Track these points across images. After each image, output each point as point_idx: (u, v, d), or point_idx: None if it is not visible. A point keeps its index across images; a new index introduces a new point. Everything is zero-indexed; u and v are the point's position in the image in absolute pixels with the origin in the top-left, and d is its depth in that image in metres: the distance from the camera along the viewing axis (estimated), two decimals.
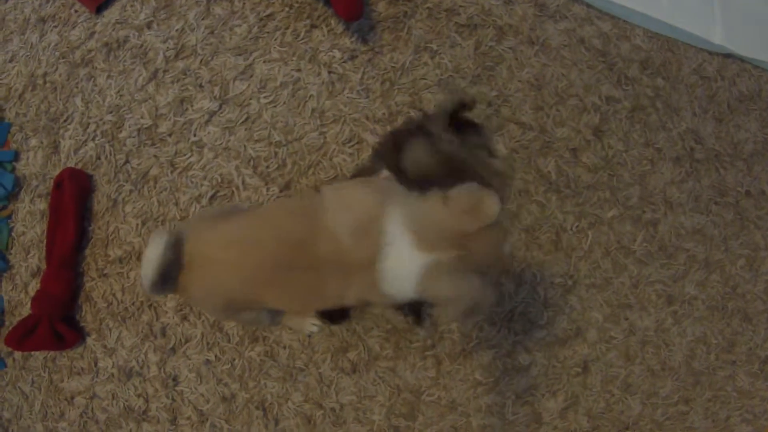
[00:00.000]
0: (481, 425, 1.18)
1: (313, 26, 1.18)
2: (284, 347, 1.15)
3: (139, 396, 1.14)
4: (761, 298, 1.31)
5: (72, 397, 1.15)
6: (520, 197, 1.20)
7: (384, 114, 1.17)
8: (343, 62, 1.17)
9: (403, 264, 0.72)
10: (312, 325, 1.08)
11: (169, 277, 0.78)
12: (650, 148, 1.25)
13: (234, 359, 1.15)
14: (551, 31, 1.24)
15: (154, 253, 0.76)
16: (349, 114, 1.16)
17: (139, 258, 1.15)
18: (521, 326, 1.20)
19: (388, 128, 1.17)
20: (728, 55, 1.32)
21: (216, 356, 1.15)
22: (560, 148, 1.21)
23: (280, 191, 1.15)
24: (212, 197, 1.15)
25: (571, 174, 1.22)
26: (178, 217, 1.15)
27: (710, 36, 1.27)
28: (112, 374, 1.15)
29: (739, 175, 1.30)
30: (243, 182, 1.15)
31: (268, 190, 1.15)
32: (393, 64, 1.18)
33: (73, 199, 1.13)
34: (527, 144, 1.20)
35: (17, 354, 1.14)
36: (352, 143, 1.16)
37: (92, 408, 1.15)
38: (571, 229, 1.22)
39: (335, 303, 0.80)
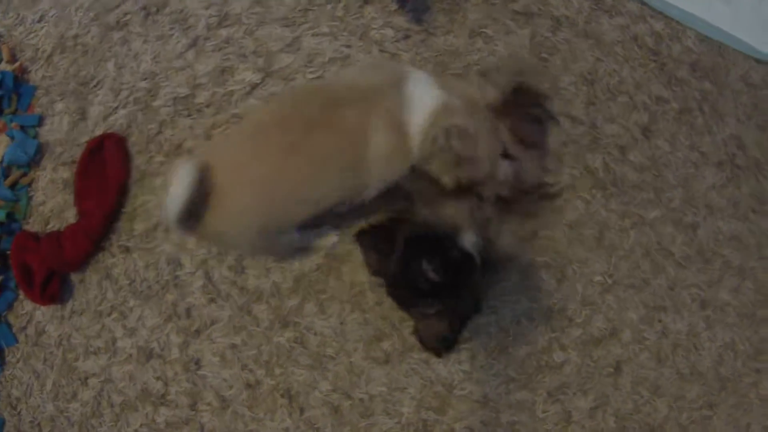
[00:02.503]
0: (510, 422, 1.00)
1: (366, 2, 0.98)
2: (315, 334, 0.96)
3: (158, 379, 0.94)
4: None
5: (86, 378, 0.95)
6: (566, 192, 1.01)
7: None
8: (396, 41, 0.97)
9: (424, 88, 0.68)
10: (334, 235, 0.92)
11: (195, 211, 0.64)
12: (695, 151, 1.07)
13: (261, 344, 0.95)
14: (606, 26, 1.04)
15: (180, 186, 0.62)
16: None
17: (166, 231, 0.94)
18: (558, 323, 1.02)
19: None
20: None
21: (243, 341, 0.95)
22: (609, 144, 1.03)
23: None
24: None
25: (618, 172, 1.03)
26: None
27: (761, 45, 1.08)
28: (131, 355, 0.95)
29: None
30: None
31: None
32: (447, 47, 0.98)
33: (117, 167, 0.91)
34: (577, 138, 1.01)
35: (30, 329, 0.93)
36: None
37: (107, 390, 0.94)
38: (615, 227, 1.03)
39: (359, 152, 0.67)
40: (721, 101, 1.10)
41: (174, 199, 0.63)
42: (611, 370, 1.04)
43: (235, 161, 0.68)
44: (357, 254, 0.94)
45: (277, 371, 0.96)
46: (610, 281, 1.04)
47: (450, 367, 0.99)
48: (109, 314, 0.96)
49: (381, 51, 0.97)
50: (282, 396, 0.97)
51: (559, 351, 1.02)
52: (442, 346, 0.83)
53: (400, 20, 0.97)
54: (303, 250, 0.93)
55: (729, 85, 1.10)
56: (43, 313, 0.97)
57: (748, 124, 1.11)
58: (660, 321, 1.07)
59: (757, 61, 1.12)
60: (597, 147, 1.02)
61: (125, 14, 0.97)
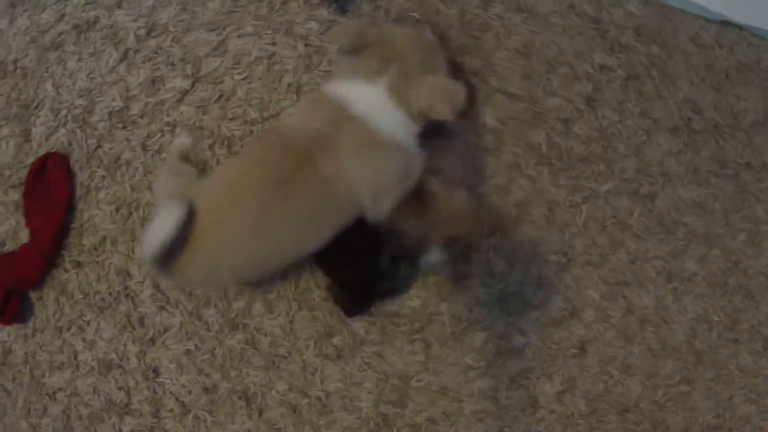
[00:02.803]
0: (474, 411, 0.96)
1: None
2: (265, 334, 0.94)
3: (120, 389, 0.94)
4: (764, 274, 1.07)
5: (54, 393, 0.95)
6: (510, 171, 0.97)
7: None
8: (320, 34, 0.94)
9: (370, 99, 0.67)
10: None
11: (175, 252, 0.61)
12: (646, 118, 1.01)
13: (214, 348, 0.94)
14: None
15: (165, 224, 0.60)
16: None
17: (113, 244, 0.94)
18: (514, 307, 0.98)
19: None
20: (726, 23, 1.07)
21: (196, 346, 0.94)
22: (551, 119, 0.98)
23: None
24: None
25: (563, 146, 0.99)
26: (152, 202, 0.93)
27: (708, 3, 1.02)
28: (92, 367, 0.95)
29: (739, 146, 1.06)
30: (218, 162, 0.94)
31: None
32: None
33: (61, 185, 0.92)
34: (516, 115, 0.97)
35: None
36: None
37: (74, 403, 0.94)
38: (565, 203, 0.99)
39: (339, 198, 0.67)
40: (671, 65, 1.04)
41: (155, 236, 0.60)
42: (575, 351, 1.00)
43: (212, 211, 0.65)
44: None
45: (233, 374, 0.95)
46: (565, 260, 0.99)
47: (405, 359, 0.96)
48: (69, 329, 0.96)
49: (306, 45, 0.94)
50: (239, 398, 0.95)
51: (518, 335, 0.98)
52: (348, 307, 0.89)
53: (324, 13, 0.95)
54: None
55: (678, 47, 1.04)
56: (8, 333, 0.97)
57: (703, 86, 1.05)
58: (624, 297, 1.02)
59: (707, 20, 1.06)
60: (539, 122, 0.98)
61: (59, 34, 0.98)
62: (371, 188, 0.69)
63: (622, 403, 1.03)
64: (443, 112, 0.67)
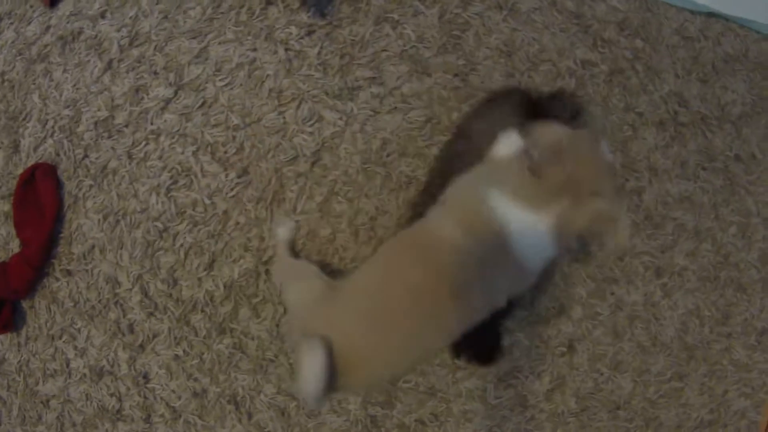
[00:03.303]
0: (463, 411, 0.96)
1: (269, 3, 0.96)
2: (252, 338, 0.95)
3: (112, 395, 0.95)
4: (755, 267, 1.05)
5: (48, 400, 0.96)
6: None
7: (343, 90, 0.94)
8: (300, 38, 0.95)
9: (531, 232, 0.61)
10: None
11: (330, 386, 0.60)
12: (631, 112, 1.01)
13: (203, 353, 0.94)
14: None
15: (313, 370, 0.58)
16: (308, 91, 0.94)
17: (101, 252, 0.95)
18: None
19: (350, 105, 0.94)
20: (711, 15, 1.06)
21: (184, 351, 0.95)
22: None
23: (239, 177, 0.94)
24: (170, 186, 0.94)
25: None
26: (139, 210, 0.94)
27: None
28: (84, 374, 0.96)
29: (727, 138, 1.05)
30: (201, 169, 0.94)
31: (227, 176, 0.94)
32: (352, 38, 0.95)
33: (50, 195, 0.93)
34: None
35: None
36: (311, 122, 0.94)
37: (68, 410, 0.96)
38: None
39: (484, 308, 0.65)
40: (655, 58, 1.03)
41: (309, 385, 0.59)
42: (564, 349, 0.99)
43: (354, 335, 0.62)
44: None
45: (221, 378, 0.96)
46: None
47: None
48: (60, 337, 0.98)
49: (287, 50, 0.95)
50: (228, 402, 0.96)
51: (505, 334, 0.98)
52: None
53: (303, 17, 0.95)
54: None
55: (663, 40, 1.04)
56: (1, 342, 0.99)
57: (689, 79, 1.04)
58: (612, 294, 1.01)
59: (692, 12, 1.05)
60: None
61: (45, 46, 0.99)
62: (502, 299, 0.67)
63: (613, 401, 1.03)
64: (606, 242, 0.63)
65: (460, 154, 0.82)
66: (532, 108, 0.81)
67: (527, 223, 0.61)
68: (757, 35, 1.07)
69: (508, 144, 0.67)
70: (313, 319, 0.64)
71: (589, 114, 0.96)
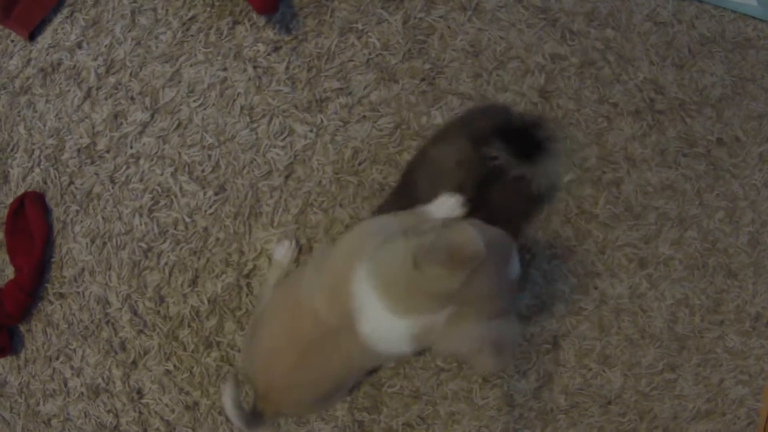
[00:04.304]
0: (449, 412, 0.98)
1: (236, 22, 0.99)
2: (239, 350, 0.97)
3: (109, 412, 1.00)
4: (745, 251, 1.04)
5: (49, 419, 1.01)
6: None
7: (312, 102, 0.97)
8: (268, 55, 0.97)
9: (385, 329, 0.57)
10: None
11: (253, 413, 0.76)
12: (605, 104, 1.01)
13: (192, 367, 0.98)
14: None
15: (228, 403, 0.74)
16: (278, 106, 0.97)
17: (91, 274, 1.00)
18: None
19: (319, 116, 0.97)
20: None
21: (175, 366, 0.98)
22: None
23: (216, 194, 0.97)
24: (152, 207, 0.98)
25: None
26: (123, 231, 0.98)
27: None
28: (82, 393, 1.00)
29: (708, 122, 1.04)
30: (180, 189, 0.98)
31: (205, 194, 0.97)
32: (318, 50, 0.97)
33: (39, 222, 0.98)
34: None
35: None
36: (283, 136, 0.97)
37: (68, 428, 1.01)
38: None
39: (358, 372, 0.73)
40: (627, 47, 1.03)
41: (230, 414, 0.73)
42: (549, 346, 1.00)
43: (262, 367, 0.76)
44: (265, 268, 0.96)
45: (212, 390, 0.99)
46: (528, 255, 0.99)
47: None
48: (57, 358, 1.02)
49: (255, 67, 0.98)
50: (220, 414, 0.99)
51: None
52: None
53: (270, 33, 0.98)
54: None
55: (634, 27, 1.03)
56: (2, 365, 1.04)
57: (664, 65, 1.04)
58: (596, 288, 1.01)
59: None
60: None
61: (27, 78, 1.04)
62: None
63: (604, 395, 1.03)
64: (480, 367, 0.59)
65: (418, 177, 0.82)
66: (484, 138, 0.75)
67: (380, 320, 0.56)
68: (734, 14, 1.06)
69: (443, 206, 0.65)
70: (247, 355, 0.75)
71: (561, 141, 0.95)
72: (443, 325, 0.54)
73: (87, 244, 1.01)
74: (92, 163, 1.01)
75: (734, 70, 1.06)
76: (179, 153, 0.99)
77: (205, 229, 0.98)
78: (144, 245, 0.99)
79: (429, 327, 0.55)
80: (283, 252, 0.94)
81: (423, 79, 0.98)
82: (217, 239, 0.98)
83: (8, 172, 1.04)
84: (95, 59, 1.02)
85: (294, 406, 0.78)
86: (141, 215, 0.99)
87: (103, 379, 1.01)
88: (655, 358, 1.02)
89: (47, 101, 1.03)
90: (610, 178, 1.01)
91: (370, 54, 0.98)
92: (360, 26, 0.98)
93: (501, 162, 0.68)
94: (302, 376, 0.69)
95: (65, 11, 0.98)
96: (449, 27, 1.00)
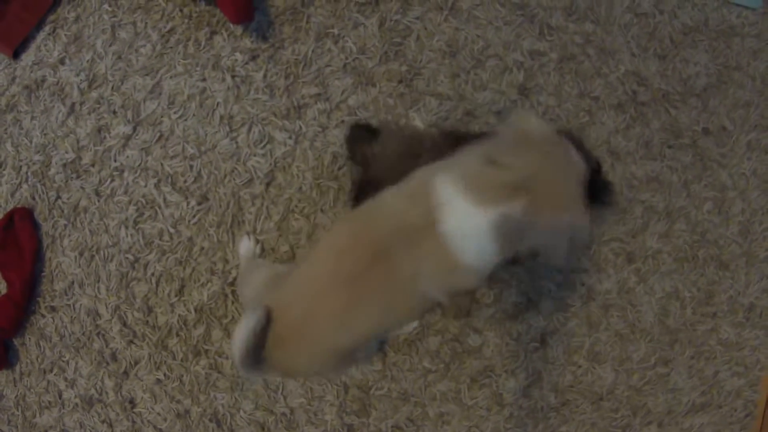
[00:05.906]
0: (439, 413, 0.99)
1: (214, 33, 1.01)
2: (227, 358, 1.00)
3: (103, 422, 1.03)
4: (736, 242, 1.04)
5: (46, 431, 1.03)
6: None
7: (290, 109, 0.99)
8: (245, 64, 1.00)
9: (467, 223, 0.57)
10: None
11: (258, 355, 0.64)
12: (586, 98, 1.01)
13: (182, 375, 1.01)
14: None
15: (243, 330, 0.63)
16: (257, 115, 0.99)
17: (81, 287, 1.03)
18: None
19: (298, 123, 0.99)
20: None
21: (165, 374, 1.01)
22: (483, 113, 0.99)
23: (199, 204, 0.99)
24: (137, 219, 1.01)
25: None
26: (110, 244, 1.01)
27: None
28: (76, 404, 1.04)
29: (693, 112, 1.04)
30: (164, 200, 1.01)
31: (188, 204, 1.00)
32: (295, 57, 1.00)
33: (28, 238, 1.01)
34: (447, 115, 0.99)
35: None
36: (263, 144, 0.99)
37: None
38: None
39: (422, 298, 0.63)
40: (608, 40, 1.03)
41: (237, 345, 0.63)
42: (537, 344, 1.01)
43: (305, 301, 0.66)
44: None
45: (202, 398, 1.02)
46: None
47: (362, 369, 1.00)
48: (51, 370, 1.05)
49: (234, 77, 1.00)
50: (210, 421, 1.01)
51: (474, 334, 1.00)
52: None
53: (247, 42, 1.00)
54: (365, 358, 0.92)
55: (615, 20, 1.04)
56: None
57: (645, 57, 1.04)
58: (583, 284, 1.02)
59: None
60: (471, 119, 1.00)
61: (13, 96, 1.07)
62: (441, 294, 0.64)
63: (595, 392, 1.03)
64: (556, 260, 0.59)
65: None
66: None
67: (464, 214, 0.57)
68: (717, 2, 1.06)
69: (524, 120, 0.63)
70: (263, 301, 0.67)
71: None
72: (520, 217, 0.56)
73: (76, 257, 1.03)
74: (78, 177, 1.04)
75: (719, 58, 1.06)
76: (162, 164, 1.02)
77: (190, 238, 1.01)
78: (131, 256, 1.01)
79: (507, 218, 0.56)
80: (245, 246, 0.97)
81: (400, 81, 1.00)
82: (202, 248, 1.01)
83: None
84: (78, 74, 1.05)
85: (307, 360, 0.68)
86: (127, 227, 1.02)
87: (96, 389, 1.04)
88: (647, 352, 1.03)
89: (33, 118, 1.06)
90: None
91: (347, 58, 1.00)
92: (336, 31, 1.00)
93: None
94: (350, 317, 0.63)
95: (47, 28, 1.01)
96: (426, 28, 1.01)
